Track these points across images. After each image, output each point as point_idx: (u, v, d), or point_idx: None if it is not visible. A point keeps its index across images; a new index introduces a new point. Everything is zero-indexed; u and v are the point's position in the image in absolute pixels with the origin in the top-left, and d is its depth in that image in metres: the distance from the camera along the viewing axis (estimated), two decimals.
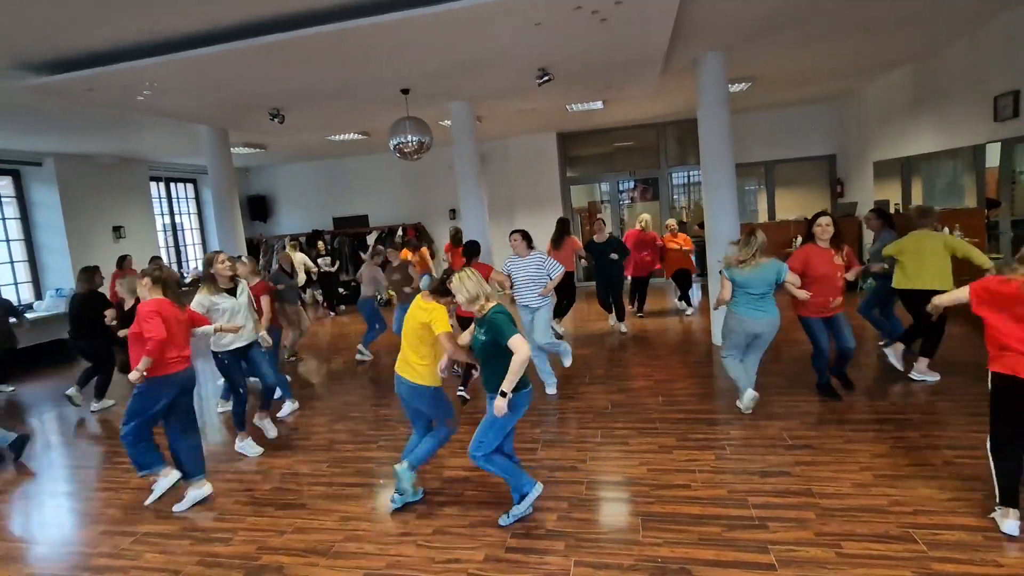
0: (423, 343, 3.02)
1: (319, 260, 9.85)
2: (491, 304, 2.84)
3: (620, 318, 6.92)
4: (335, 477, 3.61)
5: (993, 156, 6.44)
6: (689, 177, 11.02)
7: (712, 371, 5.15)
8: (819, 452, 3.38)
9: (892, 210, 7.94)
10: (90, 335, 5.31)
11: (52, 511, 3.54)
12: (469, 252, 5.01)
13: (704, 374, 5.08)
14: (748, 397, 4.00)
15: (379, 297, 8.01)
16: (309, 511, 3.21)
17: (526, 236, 4.88)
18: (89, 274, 5.49)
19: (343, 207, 11.64)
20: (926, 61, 6.86)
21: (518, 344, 2.68)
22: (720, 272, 4.12)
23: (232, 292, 4.11)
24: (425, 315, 2.99)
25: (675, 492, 3.07)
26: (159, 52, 4.37)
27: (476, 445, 2.87)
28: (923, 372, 4.44)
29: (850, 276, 4.08)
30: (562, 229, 6.92)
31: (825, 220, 4.02)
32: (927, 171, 7.82)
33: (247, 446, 4.09)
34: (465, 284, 2.83)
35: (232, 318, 3.99)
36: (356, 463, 3.79)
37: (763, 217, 10.37)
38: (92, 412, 5.46)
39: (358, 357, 6.55)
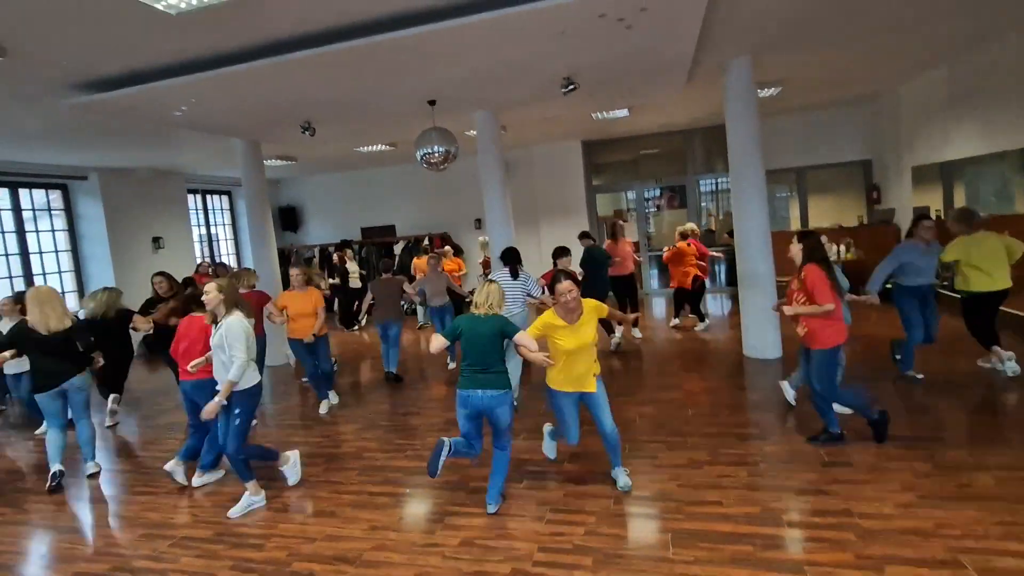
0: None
1: (349, 269, 9.58)
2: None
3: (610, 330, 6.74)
4: (364, 486, 3.63)
5: None
6: (717, 184, 10.84)
7: (743, 383, 5.02)
8: (858, 470, 3.24)
9: (933, 216, 7.66)
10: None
11: (92, 514, 3.66)
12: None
13: (735, 386, 4.96)
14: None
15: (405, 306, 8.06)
16: (339, 519, 3.24)
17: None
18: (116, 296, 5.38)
19: (371, 217, 11.83)
20: (964, 59, 6.60)
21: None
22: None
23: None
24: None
25: (706, 508, 2.99)
26: (195, 70, 4.54)
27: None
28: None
29: (786, 310, 3.61)
30: (613, 230, 7.10)
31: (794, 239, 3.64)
32: (972, 176, 7.50)
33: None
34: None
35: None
36: (385, 472, 3.82)
37: (795, 225, 10.11)
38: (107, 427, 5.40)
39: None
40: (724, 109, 5.98)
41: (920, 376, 4.69)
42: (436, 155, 5.92)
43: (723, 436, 3.90)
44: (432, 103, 6.07)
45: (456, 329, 3.17)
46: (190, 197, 10.37)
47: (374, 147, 8.82)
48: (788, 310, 3.61)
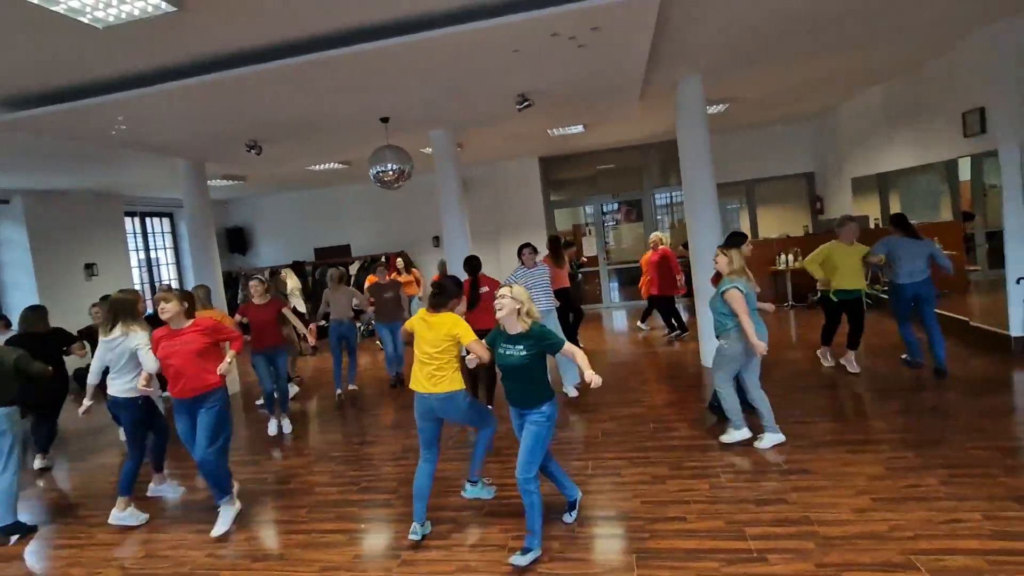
0: (447, 353, 3.03)
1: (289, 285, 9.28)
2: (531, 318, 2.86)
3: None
4: (314, 524, 3.42)
5: (965, 170, 6.58)
6: (672, 197, 11.12)
7: (704, 395, 5.07)
8: (816, 477, 3.29)
9: (872, 225, 8.07)
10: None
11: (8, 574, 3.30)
12: (470, 268, 5.03)
13: (696, 398, 4.99)
14: (742, 436, 3.82)
15: (361, 327, 7.86)
16: (287, 562, 3.02)
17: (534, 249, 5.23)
18: (41, 313, 4.97)
19: (325, 237, 11.52)
20: (898, 79, 7.04)
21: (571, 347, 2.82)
22: (735, 288, 3.67)
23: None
24: (453, 327, 3.01)
25: (670, 526, 2.95)
26: (133, 86, 4.30)
27: (528, 466, 2.75)
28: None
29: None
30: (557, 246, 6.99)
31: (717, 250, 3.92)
32: (904, 186, 7.96)
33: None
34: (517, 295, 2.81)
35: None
36: (337, 507, 3.61)
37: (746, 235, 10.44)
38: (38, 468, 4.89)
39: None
40: (676, 125, 6.14)
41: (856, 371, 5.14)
42: (390, 173, 5.81)
43: (685, 449, 3.90)
44: (385, 121, 5.97)
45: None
46: (128, 220, 9.82)
47: (327, 165, 8.61)
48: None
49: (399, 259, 9.40)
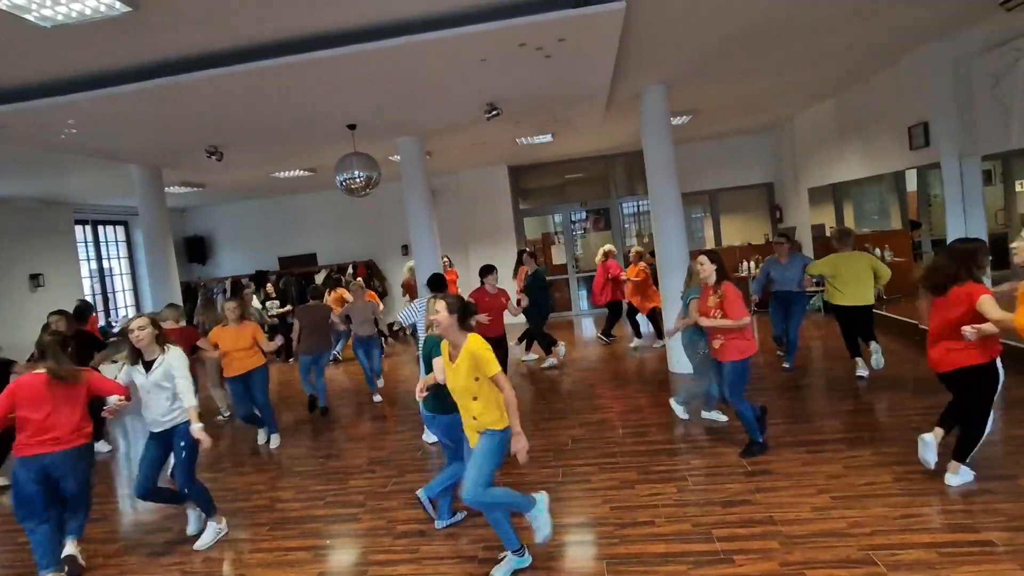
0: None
1: (267, 303, 9.07)
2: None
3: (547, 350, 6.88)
4: (277, 541, 3.30)
5: (912, 181, 6.94)
6: (639, 206, 11.34)
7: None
8: (778, 477, 3.37)
9: (829, 232, 8.41)
10: None
11: None
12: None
13: (663, 403, 5.05)
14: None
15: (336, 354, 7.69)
16: None
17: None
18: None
19: (289, 246, 11.25)
20: (849, 92, 7.38)
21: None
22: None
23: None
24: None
25: (639, 530, 2.97)
26: (83, 88, 4.12)
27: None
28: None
29: (704, 322, 3.77)
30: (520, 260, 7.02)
31: (699, 259, 3.82)
32: (856, 196, 8.34)
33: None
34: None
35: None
36: (301, 523, 3.49)
37: (710, 243, 10.74)
38: None
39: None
40: (641, 135, 6.27)
41: (786, 366, 5.58)
42: (357, 181, 5.73)
43: (653, 453, 3.94)
44: (352, 127, 5.90)
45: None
46: (78, 228, 9.36)
47: (292, 173, 8.44)
48: (706, 322, 3.74)
49: (359, 278, 9.11)
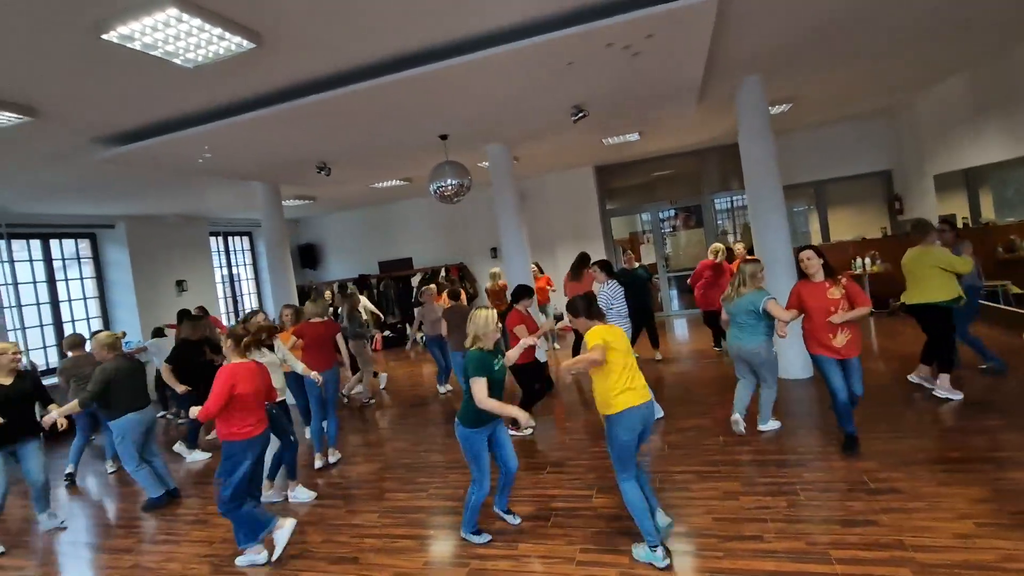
0: None
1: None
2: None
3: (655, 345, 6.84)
4: (387, 528, 3.53)
5: None
6: (732, 202, 10.75)
7: (776, 408, 4.82)
8: (908, 497, 3.05)
9: (960, 224, 7.44)
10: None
11: (115, 565, 3.61)
12: (516, 297, 5.03)
13: None
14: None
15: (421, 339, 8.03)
16: (361, 566, 3.14)
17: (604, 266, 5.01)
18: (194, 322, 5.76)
19: (388, 251, 11.97)
20: (986, 66, 6.49)
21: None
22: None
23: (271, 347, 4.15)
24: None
25: (746, 545, 2.82)
26: (214, 118, 4.69)
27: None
28: (947, 389, 4.41)
29: (835, 319, 3.57)
30: (581, 262, 6.90)
31: (806, 254, 3.78)
32: (996, 181, 7.29)
33: (300, 493, 4.10)
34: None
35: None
36: (408, 513, 3.72)
37: (816, 239, 9.92)
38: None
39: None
40: (737, 129, 5.95)
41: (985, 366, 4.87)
42: (449, 188, 5.98)
43: (757, 464, 3.73)
44: (444, 137, 6.17)
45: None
46: (212, 240, 10.63)
47: (389, 183, 8.97)
48: (838, 318, 3.59)
49: (432, 285, 9.33)
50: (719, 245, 6.91)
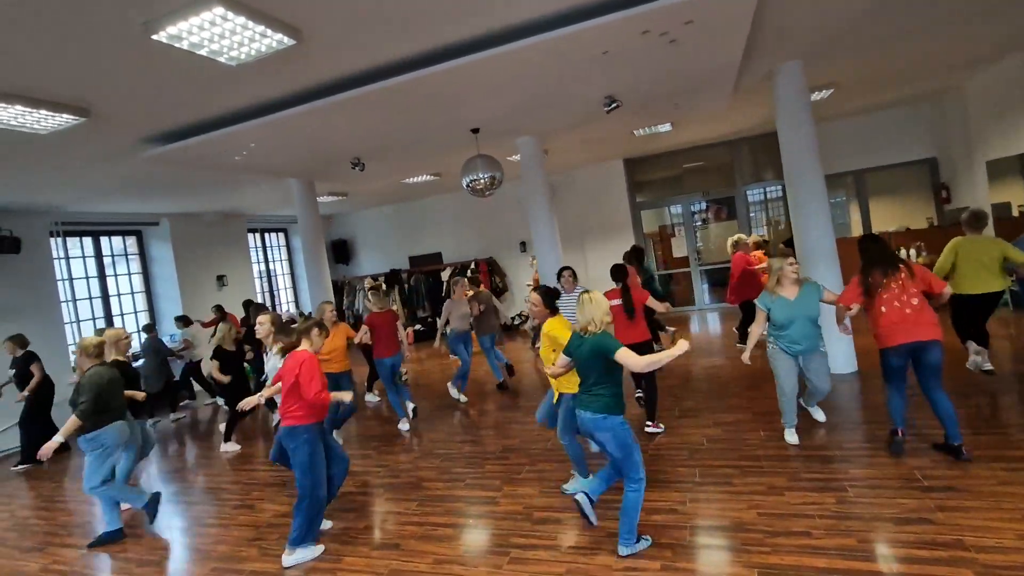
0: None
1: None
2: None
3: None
4: (426, 517, 3.58)
5: None
6: (766, 193, 10.47)
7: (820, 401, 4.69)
8: (966, 495, 2.92)
9: (1016, 212, 7.08)
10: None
11: (167, 545, 3.76)
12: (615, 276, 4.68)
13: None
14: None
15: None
16: (403, 552, 3.19)
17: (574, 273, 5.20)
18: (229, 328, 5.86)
19: (418, 246, 12.09)
20: None
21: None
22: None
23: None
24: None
25: (794, 541, 2.75)
26: (255, 116, 4.80)
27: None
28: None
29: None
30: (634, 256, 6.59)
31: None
32: None
33: None
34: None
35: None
36: (445, 502, 3.76)
37: (857, 230, 9.58)
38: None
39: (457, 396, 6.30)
40: (775, 116, 5.78)
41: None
42: (482, 182, 5.99)
43: (802, 459, 3.63)
44: (476, 131, 6.18)
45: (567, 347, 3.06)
46: (250, 236, 10.92)
47: (420, 178, 9.04)
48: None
49: (464, 278, 9.37)
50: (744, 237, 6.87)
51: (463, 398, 6.22)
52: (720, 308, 10.18)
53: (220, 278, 9.84)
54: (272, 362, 4.13)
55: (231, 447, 5.68)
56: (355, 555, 3.24)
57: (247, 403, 3.57)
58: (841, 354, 5.36)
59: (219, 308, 8.28)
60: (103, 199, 7.40)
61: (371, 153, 6.57)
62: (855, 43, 5.20)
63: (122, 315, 8.78)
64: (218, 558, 3.44)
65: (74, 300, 8.02)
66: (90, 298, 8.37)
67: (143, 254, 9.25)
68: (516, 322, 10.53)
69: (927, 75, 7.09)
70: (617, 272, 4.52)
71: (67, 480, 5.56)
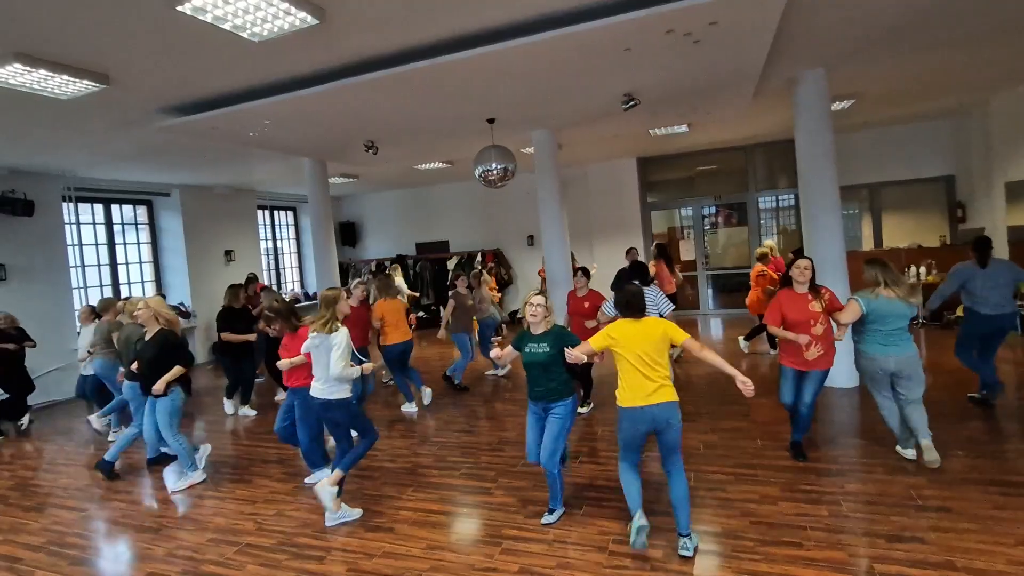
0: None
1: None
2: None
3: None
4: (421, 503, 3.62)
5: None
6: (778, 201, 10.40)
7: (819, 415, 4.69)
8: (960, 517, 2.93)
9: None
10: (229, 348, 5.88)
11: (164, 514, 3.82)
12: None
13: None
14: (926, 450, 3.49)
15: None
16: (396, 536, 3.23)
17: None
18: (235, 290, 6.01)
19: (425, 233, 12.09)
20: None
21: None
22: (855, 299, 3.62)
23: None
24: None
25: (785, 551, 2.77)
26: (273, 93, 4.79)
27: (553, 453, 3.15)
28: None
29: (838, 336, 3.67)
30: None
31: (804, 263, 3.74)
32: None
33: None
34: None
35: None
36: (440, 490, 3.79)
37: (868, 244, 9.52)
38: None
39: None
40: (794, 123, 5.73)
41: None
42: (495, 172, 5.97)
43: (797, 470, 3.64)
44: (491, 121, 6.15)
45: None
46: (259, 213, 10.94)
47: (432, 165, 9.02)
48: (841, 334, 3.66)
49: (462, 276, 9.40)
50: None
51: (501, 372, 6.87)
52: (724, 313, 10.16)
53: (228, 253, 9.86)
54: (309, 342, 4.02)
55: (249, 411, 6.05)
56: (350, 535, 3.28)
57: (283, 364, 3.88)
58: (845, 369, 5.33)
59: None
60: (116, 166, 7.42)
61: (386, 137, 6.55)
62: (880, 55, 5.13)
63: (129, 284, 8.83)
64: (215, 530, 3.49)
65: (83, 266, 8.08)
66: (99, 265, 8.42)
67: (153, 224, 9.28)
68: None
69: (950, 92, 7.00)
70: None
71: (65, 442, 5.63)
